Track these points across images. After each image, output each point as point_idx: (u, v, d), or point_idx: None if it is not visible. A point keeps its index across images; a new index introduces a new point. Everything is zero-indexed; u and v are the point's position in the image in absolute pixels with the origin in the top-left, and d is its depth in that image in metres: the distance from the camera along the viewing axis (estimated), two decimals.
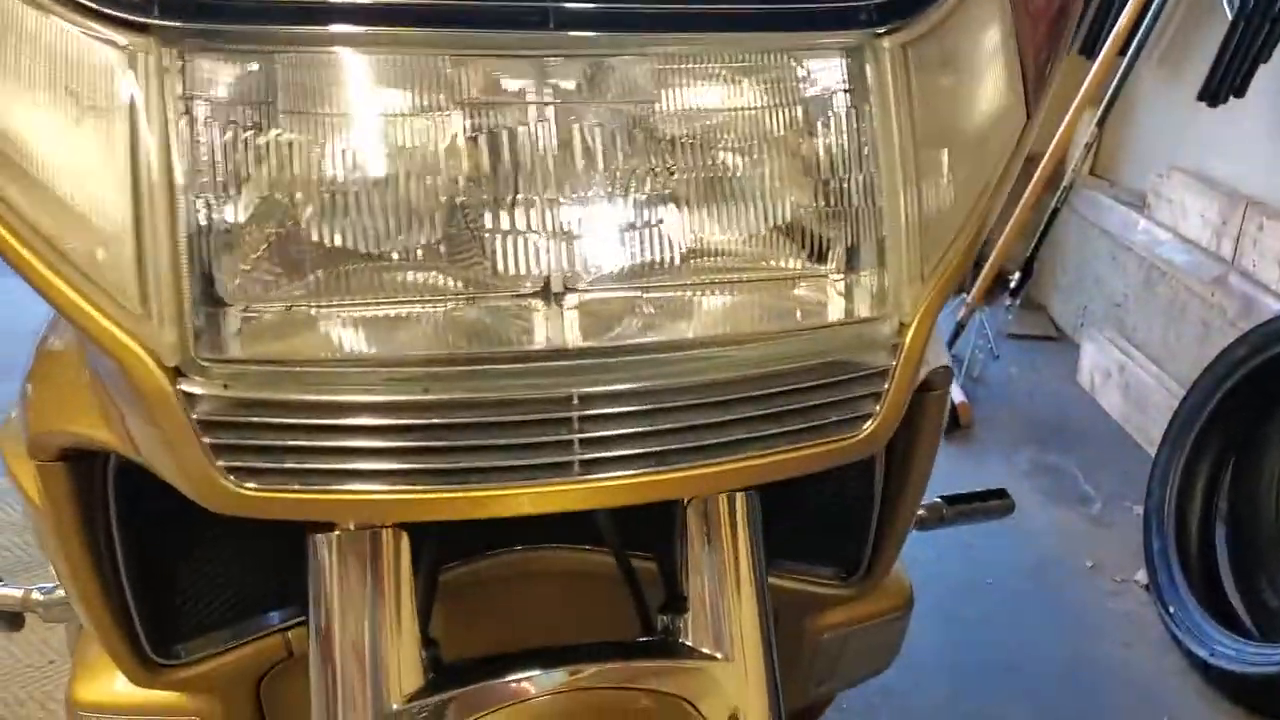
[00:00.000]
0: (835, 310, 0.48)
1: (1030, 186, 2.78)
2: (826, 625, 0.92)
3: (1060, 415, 2.67)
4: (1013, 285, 2.91)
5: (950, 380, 0.73)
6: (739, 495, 0.63)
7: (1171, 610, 1.80)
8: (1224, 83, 2.21)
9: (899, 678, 1.68)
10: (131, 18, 0.39)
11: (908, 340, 0.48)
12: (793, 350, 0.47)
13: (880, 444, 0.49)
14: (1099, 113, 2.80)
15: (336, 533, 0.58)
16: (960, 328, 2.81)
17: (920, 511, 1.13)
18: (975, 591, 1.94)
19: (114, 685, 0.79)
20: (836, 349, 0.48)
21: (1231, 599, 1.82)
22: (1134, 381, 2.56)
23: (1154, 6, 2.66)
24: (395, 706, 0.58)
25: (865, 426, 0.48)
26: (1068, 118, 2.77)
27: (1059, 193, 2.86)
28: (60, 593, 0.97)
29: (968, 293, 2.86)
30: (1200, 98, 2.29)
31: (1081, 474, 2.39)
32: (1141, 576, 1.97)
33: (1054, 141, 2.77)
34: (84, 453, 0.61)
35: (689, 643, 0.64)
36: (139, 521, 0.69)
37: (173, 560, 0.74)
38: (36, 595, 0.98)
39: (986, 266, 2.86)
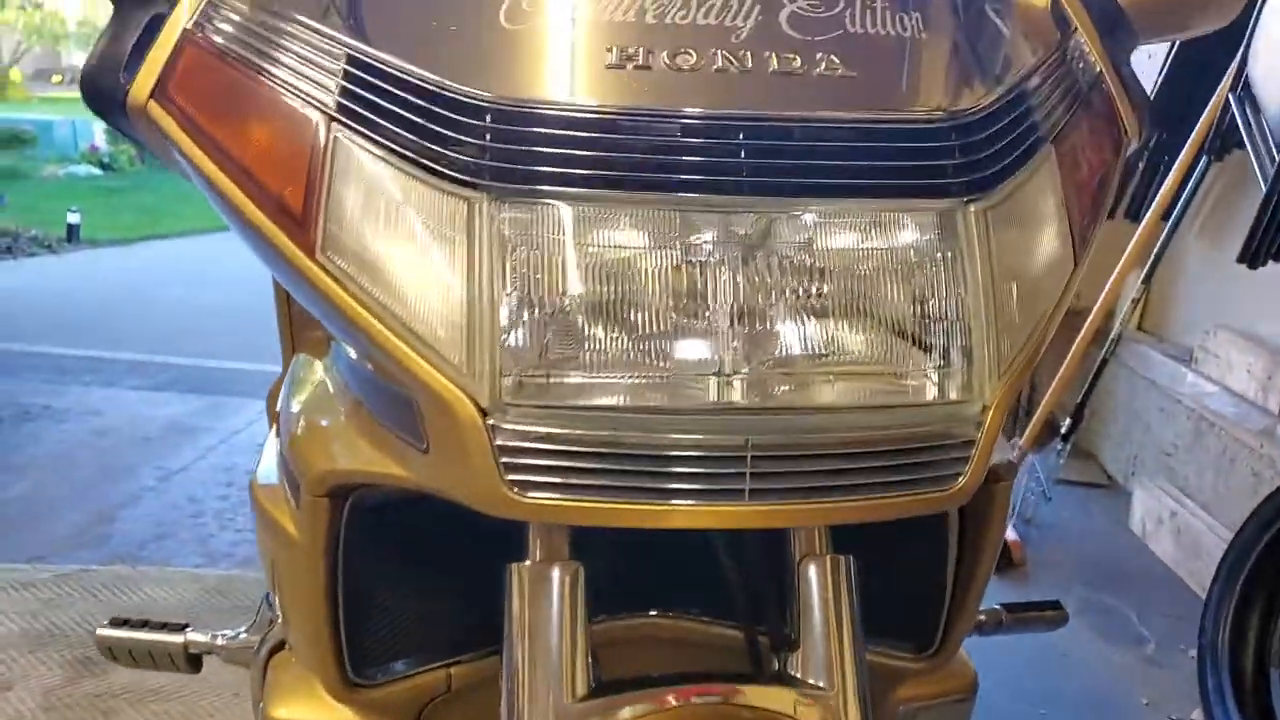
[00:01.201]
0: (931, 392, 0.65)
1: (1078, 340, 2.95)
2: (901, 699, 1.05)
3: (1112, 558, 2.75)
4: (1063, 430, 3.04)
5: (1013, 474, 0.90)
6: (842, 559, 0.79)
7: None
8: (1261, 247, 2.39)
9: None
10: (471, 179, 0.60)
11: (988, 419, 0.65)
12: (904, 420, 0.64)
13: (966, 497, 0.66)
14: (1145, 271, 3.00)
15: (528, 563, 0.75)
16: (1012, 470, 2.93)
17: (980, 616, 1.26)
18: None
19: (304, 706, 0.94)
20: (936, 421, 0.65)
21: None
22: (1186, 528, 2.65)
23: (1194, 177, 2.88)
24: (568, 703, 0.73)
25: (957, 482, 0.65)
26: (1114, 276, 2.97)
27: (1107, 344, 3.02)
28: (244, 636, 1.14)
29: (1020, 437, 3.00)
30: (1240, 260, 2.47)
31: (1135, 615, 2.45)
32: (1198, 715, 2.02)
33: (1101, 297, 2.96)
34: (338, 491, 0.80)
35: (798, 675, 0.79)
36: (358, 556, 0.86)
37: (372, 593, 0.91)
38: (220, 640, 1.15)
39: (1037, 414, 3.00)
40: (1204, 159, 2.84)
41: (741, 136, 0.61)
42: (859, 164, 0.64)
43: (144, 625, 1.19)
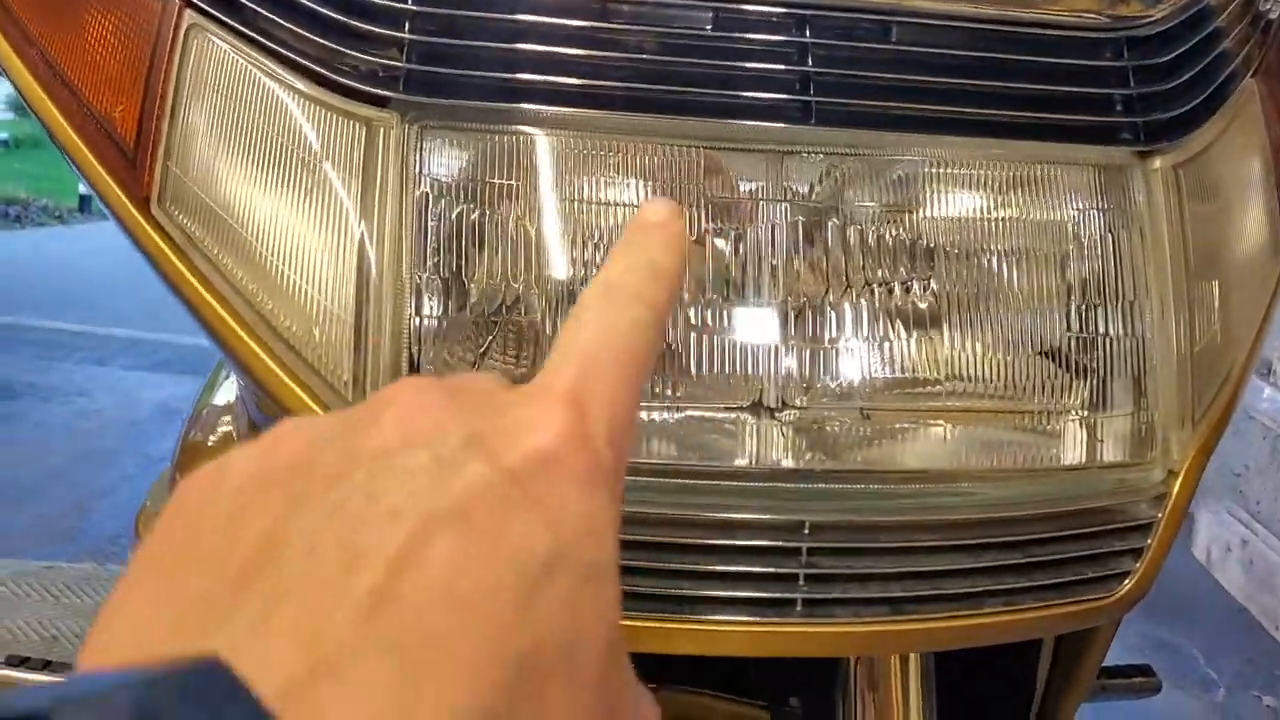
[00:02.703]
0: (1084, 447, 0.42)
1: None
2: None
3: (1175, 589, 2.50)
4: None
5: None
6: (912, 655, 0.57)
7: None
8: None
9: None
10: (376, 91, 0.38)
11: (1175, 490, 0.42)
12: (1045, 493, 0.42)
13: (1131, 607, 0.43)
14: None
15: None
16: None
17: None
18: None
19: None
20: (1094, 496, 0.42)
21: None
22: (1259, 559, 2.39)
23: None
24: None
25: (1123, 585, 0.42)
26: None
27: None
28: None
29: None
30: None
31: (1201, 656, 2.21)
32: None
33: None
34: None
35: None
36: None
37: None
38: None
39: None
40: None
41: (807, 34, 0.39)
42: (985, 85, 0.41)
43: (45, 666, 0.98)
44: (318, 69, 0.39)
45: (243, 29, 0.40)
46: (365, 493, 0.20)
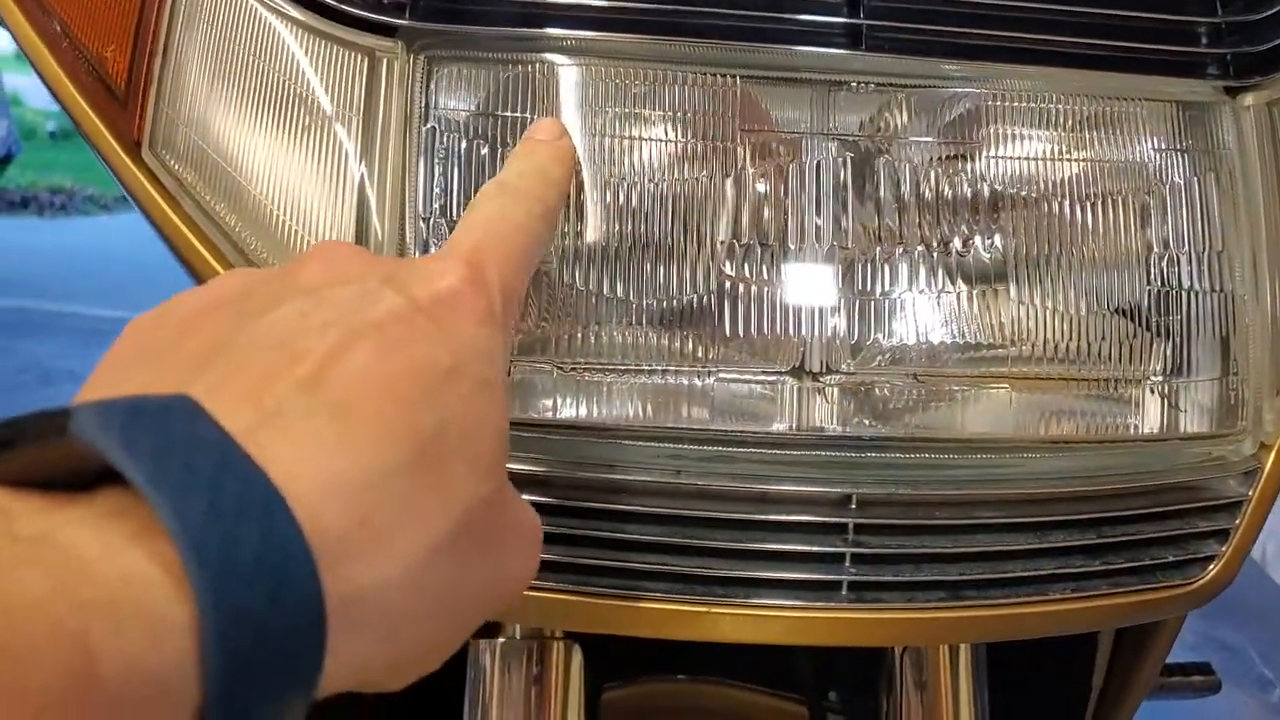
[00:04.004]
0: (1162, 416, 0.38)
1: None
2: None
3: (1230, 585, 2.42)
4: None
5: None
6: (963, 646, 0.53)
7: None
8: None
9: None
10: (381, 19, 0.35)
11: (1268, 465, 0.38)
12: (1120, 467, 0.38)
13: (1214, 596, 0.39)
14: None
15: (502, 639, 0.51)
16: None
17: None
18: None
19: None
20: (1175, 471, 0.38)
21: None
22: None
23: None
24: None
25: (1207, 571, 0.38)
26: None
27: None
28: None
29: None
30: None
31: (1257, 655, 2.13)
32: None
33: None
34: None
35: None
36: None
37: None
38: None
39: None
40: None
41: None
42: (1055, 10, 0.37)
43: None
44: None
45: None
46: (299, 311, 0.24)
